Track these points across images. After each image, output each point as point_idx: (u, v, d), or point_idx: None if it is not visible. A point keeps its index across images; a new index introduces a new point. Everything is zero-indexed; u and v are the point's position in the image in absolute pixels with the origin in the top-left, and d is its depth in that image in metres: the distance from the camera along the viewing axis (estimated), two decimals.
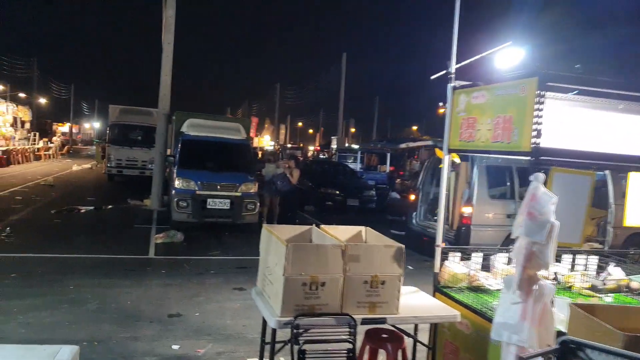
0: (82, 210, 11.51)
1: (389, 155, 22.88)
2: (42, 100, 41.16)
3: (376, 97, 49.33)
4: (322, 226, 3.97)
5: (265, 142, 41.60)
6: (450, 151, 4.23)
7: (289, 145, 50.70)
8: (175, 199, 9.54)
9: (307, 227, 4.03)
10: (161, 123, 12.90)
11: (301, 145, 61.37)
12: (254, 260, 8.29)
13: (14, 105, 28.18)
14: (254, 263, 8.12)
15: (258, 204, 10.10)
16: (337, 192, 14.40)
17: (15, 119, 27.63)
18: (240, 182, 9.95)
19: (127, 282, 6.42)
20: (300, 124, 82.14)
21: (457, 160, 4.50)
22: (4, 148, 22.19)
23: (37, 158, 26.97)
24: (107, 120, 19.95)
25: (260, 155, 21.71)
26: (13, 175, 18.47)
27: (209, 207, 9.66)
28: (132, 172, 18.14)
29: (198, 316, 5.42)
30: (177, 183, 9.71)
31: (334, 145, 29.32)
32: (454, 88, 4.27)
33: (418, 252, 9.54)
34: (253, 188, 10.11)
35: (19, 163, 22.97)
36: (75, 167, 23.17)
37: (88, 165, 24.29)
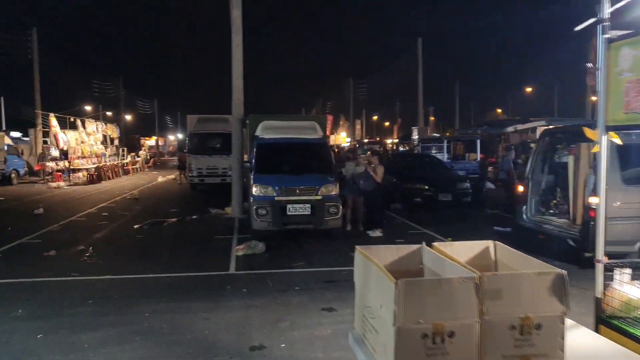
0: (165, 224, 11.35)
1: (478, 142, 21.11)
2: (128, 117, 43.62)
3: (456, 82, 46.64)
4: (436, 245, 2.95)
5: (341, 139, 40.85)
6: (610, 129, 3.03)
7: (365, 140, 49.67)
8: (254, 207, 8.93)
9: (414, 247, 3.02)
10: (236, 128, 12.47)
11: (378, 139, 60.01)
12: (341, 272, 7.51)
13: (103, 124, 29.83)
14: (341, 276, 7.35)
15: (341, 206, 9.22)
16: (427, 187, 13.15)
17: (104, 136, 29.24)
18: (320, 184, 9.12)
19: (206, 304, 5.80)
20: (375, 117, 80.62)
21: (617, 140, 3.27)
22: (95, 165, 23.37)
23: (126, 172, 28.28)
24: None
25: (336, 153, 21.03)
26: (103, 191, 19.21)
27: (289, 213, 8.94)
28: (214, 180, 18.16)
29: (284, 348, 4.61)
30: (255, 190, 9.10)
31: (415, 136, 27.81)
32: (609, 40, 3.06)
33: (536, 253, 8.13)
34: (334, 190, 9.25)
35: (109, 178, 24.08)
36: (160, 179, 23.85)
37: (172, 176, 24.93)
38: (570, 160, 7.79)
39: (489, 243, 3.10)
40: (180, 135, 54.23)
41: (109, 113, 36.48)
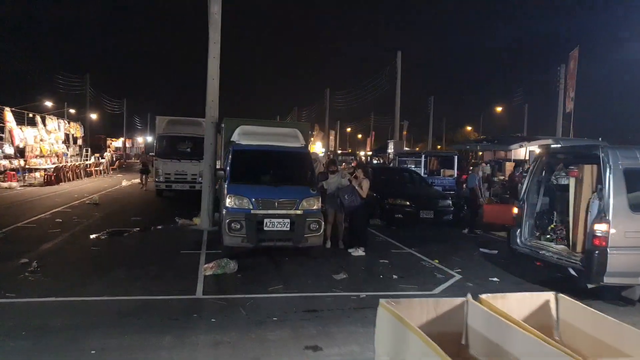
0: (125, 234, 10.29)
1: (456, 158, 20.79)
2: (94, 116, 41.67)
3: (431, 97, 46.75)
4: (484, 298, 2.21)
5: (317, 149, 40.17)
6: None
7: (339, 151, 49.18)
8: (227, 220, 8.03)
9: (456, 301, 2.27)
10: (209, 132, 11.54)
11: (350, 150, 59.65)
12: (323, 299, 6.41)
13: (66, 121, 28.20)
14: (324, 304, 6.17)
15: (322, 222, 8.43)
16: (408, 202, 12.53)
17: (67, 135, 27.63)
18: (302, 197, 8.32)
19: (167, 340, 4.88)
20: (349, 129, 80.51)
21: None
22: (53, 166, 21.83)
23: (89, 174, 26.70)
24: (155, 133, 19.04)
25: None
26: (60, 193, 17.81)
27: (266, 228, 8.09)
28: (182, 186, 17.11)
29: None
30: (229, 201, 8.21)
31: (390, 149, 27.34)
32: None
33: (531, 281, 7.56)
34: (316, 204, 8.46)
35: (69, 180, 22.57)
36: (124, 183, 22.51)
37: (138, 180, 23.59)
38: (571, 182, 7.27)
39: (549, 296, 2.37)
40: (149, 138, 52.40)
41: (72, 111, 34.67)
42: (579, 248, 7.04)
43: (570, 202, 7.23)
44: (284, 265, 8.17)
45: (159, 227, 11.25)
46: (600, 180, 6.80)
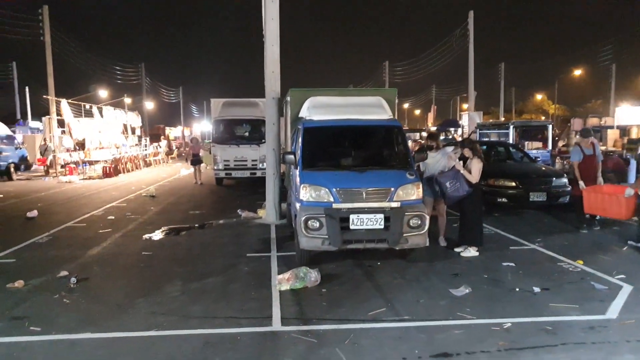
0: (182, 232, 8.79)
1: (550, 127, 17.98)
2: (150, 105, 41.50)
3: (501, 65, 42.77)
4: None
5: None
6: None
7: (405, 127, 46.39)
8: (303, 218, 6.20)
9: None
10: (271, 109, 9.76)
11: (418, 127, 56.40)
12: (450, 330, 2.98)
13: (124, 112, 27.66)
14: (456, 340, 2.91)
15: (427, 217, 6.40)
16: (514, 183, 10.20)
17: (125, 126, 27.09)
18: (397, 184, 6.33)
19: None
20: (406, 104, 77.01)
21: None
22: (112, 157, 21.10)
23: (148, 165, 25.99)
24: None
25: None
26: (117, 186, 16.83)
27: (352, 227, 6.18)
28: (242, 173, 15.69)
29: None
30: (303, 193, 6.37)
31: (464, 122, 24.55)
32: None
33: None
34: (416, 193, 6.43)
35: (128, 172, 21.80)
36: (183, 172, 21.43)
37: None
38: None
39: None
40: (204, 125, 52.12)
41: (128, 100, 34.30)
42: None
43: None
44: (379, 275, 6.25)
45: (220, 221, 9.71)
46: None
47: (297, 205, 6.51)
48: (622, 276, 6.01)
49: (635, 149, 18.04)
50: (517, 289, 5.64)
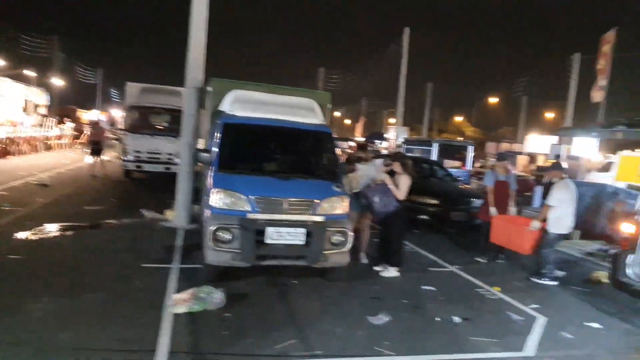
0: (68, 232, 7.57)
1: (471, 148, 18.50)
2: (59, 82, 37.75)
3: (428, 83, 44.28)
4: None
5: None
6: None
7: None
8: (212, 228, 5.41)
9: None
10: (191, 99, 8.83)
11: (349, 137, 56.81)
12: None
13: (26, 85, 24.84)
14: None
15: (351, 234, 5.89)
16: (436, 201, 10.08)
17: (26, 102, 24.31)
18: (323, 196, 5.75)
19: None
20: (337, 113, 77.78)
21: None
22: (4, 136, 18.62)
23: (49, 148, 23.42)
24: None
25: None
26: (3, 170, 14.70)
27: (269, 241, 5.51)
28: (155, 167, 14.34)
29: None
30: (215, 199, 5.58)
31: (391, 136, 24.79)
32: None
33: None
34: (342, 207, 5.90)
35: (22, 154, 19.42)
36: (88, 159, 19.44)
37: (107, 158, 20.60)
38: None
39: None
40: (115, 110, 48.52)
41: (32, 74, 30.82)
42: None
43: None
44: (294, 296, 5.63)
45: (119, 221, 8.56)
46: None
47: (207, 212, 5.70)
48: (536, 306, 5.88)
49: (542, 176, 19.09)
50: (438, 319, 5.26)
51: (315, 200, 5.68)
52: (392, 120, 51.30)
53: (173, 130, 14.29)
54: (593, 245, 9.51)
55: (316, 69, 41.85)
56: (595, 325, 5.44)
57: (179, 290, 5.15)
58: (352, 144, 26.81)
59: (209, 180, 5.92)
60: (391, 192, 6.54)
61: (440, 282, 6.61)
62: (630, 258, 5.48)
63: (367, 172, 7.02)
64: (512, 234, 7.38)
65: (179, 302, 4.86)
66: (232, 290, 5.30)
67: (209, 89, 7.59)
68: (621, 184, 13.99)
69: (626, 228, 5.59)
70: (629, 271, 5.47)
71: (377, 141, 33.47)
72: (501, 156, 9.25)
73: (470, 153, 17.97)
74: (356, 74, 37.67)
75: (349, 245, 5.81)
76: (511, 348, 4.66)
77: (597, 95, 20.13)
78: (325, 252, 5.68)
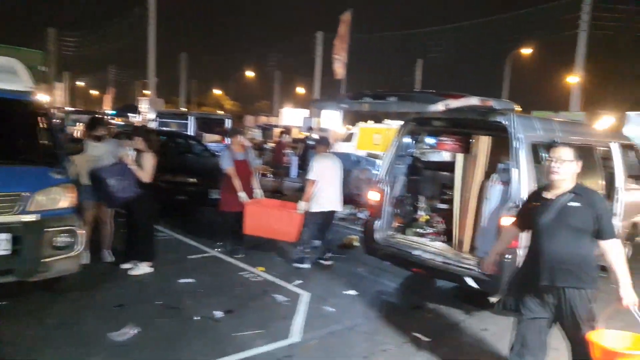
0: None
1: (230, 121, 18.20)
2: None
3: (182, 53, 42.36)
4: None
5: None
6: None
7: (71, 109, 40.53)
8: None
9: None
10: None
11: (84, 109, 50.16)
12: None
13: None
14: None
15: (82, 232, 4.63)
16: (194, 179, 9.32)
17: None
18: (35, 187, 4.33)
19: None
20: (80, 83, 68.60)
21: None
22: None
23: None
24: None
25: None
26: None
27: None
28: None
29: None
30: None
31: (144, 108, 22.66)
32: None
33: (400, 291, 5.47)
34: (65, 199, 4.57)
35: None
36: None
37: None
38: (458, 159, 5.49)
39: None
40: None
41: None
42: (466, 247, 5.37)
43: (456, 186, 5.47)
44: (10, 322, 4.14)
45: None
46: (498, 158, 5.20)
47: None
48: (300, 281, 5.78)
49: (298, 147, 20.20)
50: (198, 318, 4.58)
51: (25, 194, 4.23)
52: (148, 92, 47.82)
53: None
54: (344, 210, 10.25)
55: (45, 30, 35.33)
56: (353, 292, 5.59)
57: None
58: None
59: None
60: (131, 173, 5.45)
61: (200, 272, 5.93)
62: (377, 224, 5.74)
63: (104, 152, 5.74)
64: (274, 221, 6.26)
65: None
66: None
67: None
68: (362, 153, 15.69)
69: (372, 196, 5.85)
70: (377, 236, 5.73)
71: (130, 115, 30.54)
72: (233, 131, 7.38)
73: (229, 127, 17.69)
74: (101, 38, 33.24)
75: (79, 247, 4.55)
76: (277, 337, 4.31)
77: (339, 71, 22.31)
78: (46, 259, 4.32)
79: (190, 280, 5.58)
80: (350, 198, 10.72)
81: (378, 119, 18.52)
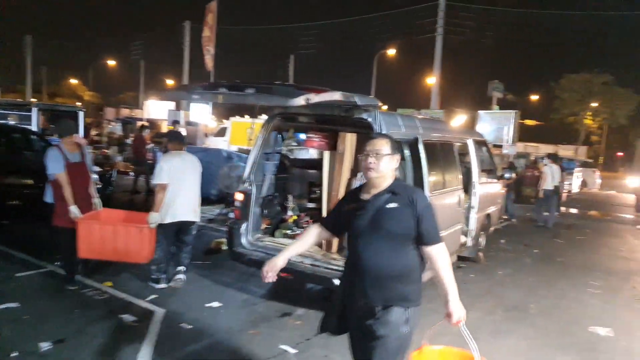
0: None
1: (82, 114, 16.20)
2: None
3: (28, 36, 37.23)
4: None
5: None
6: None
7: None
8: None
9: None
10: None
11: None
12: None
13: None
14: None
15: None
16: (31, 181, 7.96)
17: None
18: None
19: None
20: None
21: None
22: None
23: None
24: None
25: None
26: None
27: None
28: None
29: None
30: None
31: None
32: None
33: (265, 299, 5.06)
34: None
35: None
36: None
37: None
38: (325, 156, 5.23)
39: None
40: None
41: None
42: (334, 247, 5.15)
43: (324, 184, 5.22)
44: None
45: None
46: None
47: None
48: (155, 296, 5.10)
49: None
50: (15, 354, 3.70)
51: None
52: None
53: None
54: (213, 211, 9.60)
55: None
56: (216, 304, 5.06)
57: None
58: None
59: None
60: None
61: (30, 293, 4.94)
62: (243, 227, 5.28)
63: None
64: (118, 239, 4.99)
65: None
66: None
67: None
68: (234, 148, 15.01)
69: (238, 197, 5.36)
70: (243, 240, 5.27)
71: None
72: (63, 128, 5.26)
73: (81, 120, 15.75)
74: None
75: None
76: None
77: (209, 63, 21.27)
78: None
79: (12, 304, 4.58)
80: (220, 197, 10.10)
81: (253, 114, 17.99)
